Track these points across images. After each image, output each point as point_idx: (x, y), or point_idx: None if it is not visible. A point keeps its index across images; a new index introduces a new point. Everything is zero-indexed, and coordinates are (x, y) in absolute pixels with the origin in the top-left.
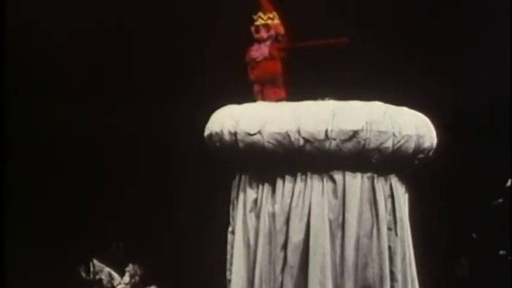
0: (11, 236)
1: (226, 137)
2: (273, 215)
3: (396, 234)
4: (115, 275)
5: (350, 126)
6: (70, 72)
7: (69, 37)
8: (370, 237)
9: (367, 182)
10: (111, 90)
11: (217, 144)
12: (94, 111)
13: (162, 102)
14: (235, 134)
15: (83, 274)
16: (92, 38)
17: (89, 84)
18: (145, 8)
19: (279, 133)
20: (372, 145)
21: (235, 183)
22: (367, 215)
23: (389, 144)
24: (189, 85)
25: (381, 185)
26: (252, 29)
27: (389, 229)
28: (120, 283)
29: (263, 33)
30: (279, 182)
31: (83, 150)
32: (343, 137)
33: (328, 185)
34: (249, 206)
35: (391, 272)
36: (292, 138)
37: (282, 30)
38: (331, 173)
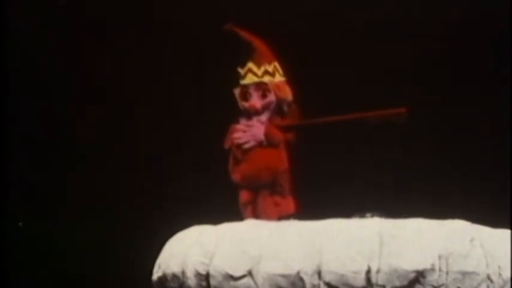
0: None
1: (192, 282)
2: None
3: None
4: None
5: (410, 263)
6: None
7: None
8: None
9: None
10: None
11: None
12: None
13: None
14: (206, 276)
15: None
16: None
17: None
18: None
19: (284, 275)
20: None
21: None
22: None
23: None
24: (135, 190)
25: None
26: (237, 92)
27: None
28: None
29: (255, 100)
30: None
31: None
32: (398, 283)
33: None
34: None
35: None
36: (308, 285)
37: (288, 93)
38: None
